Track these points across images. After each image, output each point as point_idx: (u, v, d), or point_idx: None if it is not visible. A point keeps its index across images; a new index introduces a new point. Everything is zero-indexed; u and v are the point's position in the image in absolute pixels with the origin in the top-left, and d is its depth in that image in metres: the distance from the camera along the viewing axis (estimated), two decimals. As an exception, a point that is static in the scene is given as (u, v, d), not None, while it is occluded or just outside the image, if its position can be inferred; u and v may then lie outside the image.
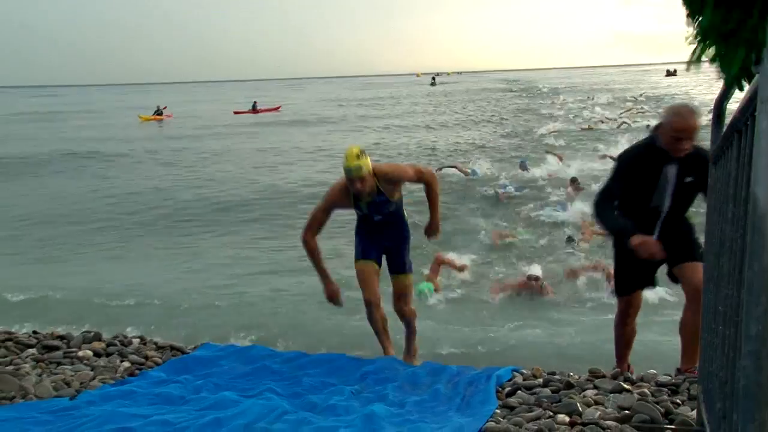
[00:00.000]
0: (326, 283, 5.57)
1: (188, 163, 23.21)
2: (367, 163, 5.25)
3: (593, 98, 47.01)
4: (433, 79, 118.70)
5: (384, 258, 5.71)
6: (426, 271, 9.08)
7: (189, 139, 31.33)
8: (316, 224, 5.53)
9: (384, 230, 5.58)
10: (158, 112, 49.43)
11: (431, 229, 5.67)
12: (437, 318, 7.73)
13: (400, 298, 5.71)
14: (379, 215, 5.49)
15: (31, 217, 14.66)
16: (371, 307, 5.53)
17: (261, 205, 15.31)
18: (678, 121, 4.45)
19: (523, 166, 17.29)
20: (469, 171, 17.16)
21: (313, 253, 5.53)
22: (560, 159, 18.74)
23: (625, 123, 28.66)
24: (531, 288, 8.62)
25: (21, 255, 11.56)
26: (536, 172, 16.97)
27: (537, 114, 36.41)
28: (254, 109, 55.50)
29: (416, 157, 21.49)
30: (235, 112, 54.50)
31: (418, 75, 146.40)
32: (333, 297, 5.58)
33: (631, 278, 4.97)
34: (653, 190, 4.60)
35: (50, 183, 19.67)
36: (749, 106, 1.86)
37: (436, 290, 8.86)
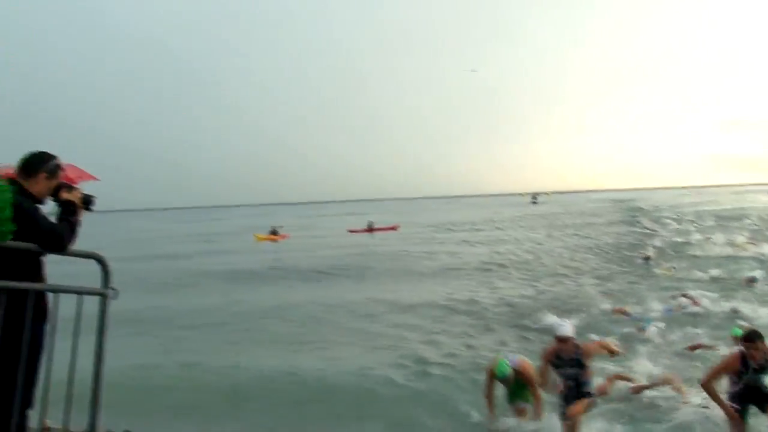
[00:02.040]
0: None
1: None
2: None
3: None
4: (534, 197, 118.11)
5: None
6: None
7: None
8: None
9: None
10: (273, 232, 47.94)
11: None
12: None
13: None
14: None
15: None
16: None
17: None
18: None
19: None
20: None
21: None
22: None
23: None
24: None
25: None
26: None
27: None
28: (369, 228, 52.44)
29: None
30: (350, 231, 51.75)
31: (523, 195, 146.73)
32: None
33: None
34: None
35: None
36: None
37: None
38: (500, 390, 8.18)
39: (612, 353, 10.53)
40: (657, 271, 20.49)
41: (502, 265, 24.45)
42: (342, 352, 11.65)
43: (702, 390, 6.93)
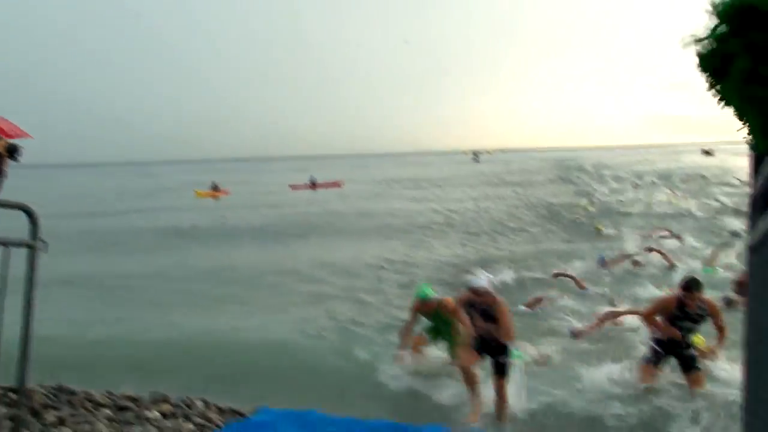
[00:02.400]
0: None
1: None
2: None
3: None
4: (476, 156, 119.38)
5: None
6: None
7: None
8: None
9: None
10: (214, 188, 47.77)
11: None
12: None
13: None
14: None
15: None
16: None
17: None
18: None
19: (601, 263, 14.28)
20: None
21: None
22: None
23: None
24: None
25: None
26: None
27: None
28: (312, 184, 51.90)
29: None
30: (292, 187, 51.22)
31: (466, 153, 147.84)
32: None
33: None
34: None
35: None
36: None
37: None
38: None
39: (535, 305, 10.87)
40: (593, 229, 21.14)
41: (439, 224, 24.82)
42: (271, 311, 11.73)
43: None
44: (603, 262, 14.34)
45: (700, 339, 7.79)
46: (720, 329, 6.97)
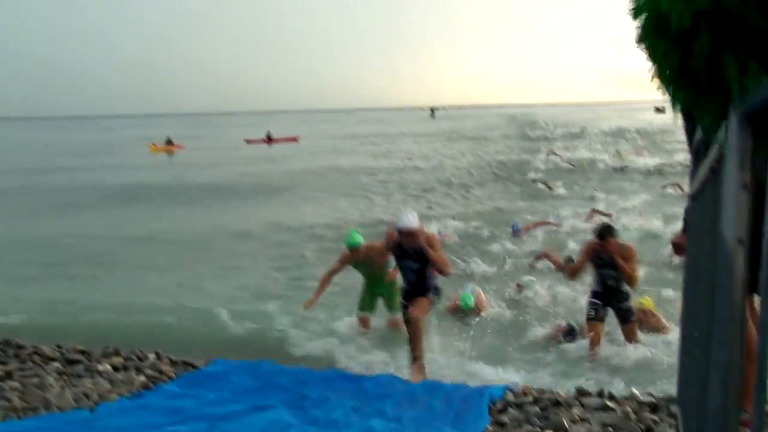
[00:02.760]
0: None
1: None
2: None
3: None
4: (433, 112, 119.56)
5: None
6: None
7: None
8: None
9: None
10: (169, 142, 47.11)
11: None
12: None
13: None
14: None
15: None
16: None
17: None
18: None
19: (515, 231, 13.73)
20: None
21: None
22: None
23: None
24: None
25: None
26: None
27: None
28: (268, 138, 51.05)
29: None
30: (247, 141, 50.49)
31: (423, 110, 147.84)
32: None
33: None
34: None
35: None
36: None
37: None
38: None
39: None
40: (540, 186, 21.35)
41: (390, 180, 24.81)
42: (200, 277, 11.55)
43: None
44: (517, 231, 13.72)
45: (648, 301, 8.01)
46: (628, 275, 7.06)
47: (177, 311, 9.14)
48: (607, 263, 7.05)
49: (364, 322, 7.94)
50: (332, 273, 7.72)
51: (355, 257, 7.73)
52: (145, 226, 16.57)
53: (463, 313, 8.35)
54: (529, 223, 14.58)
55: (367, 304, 7.97)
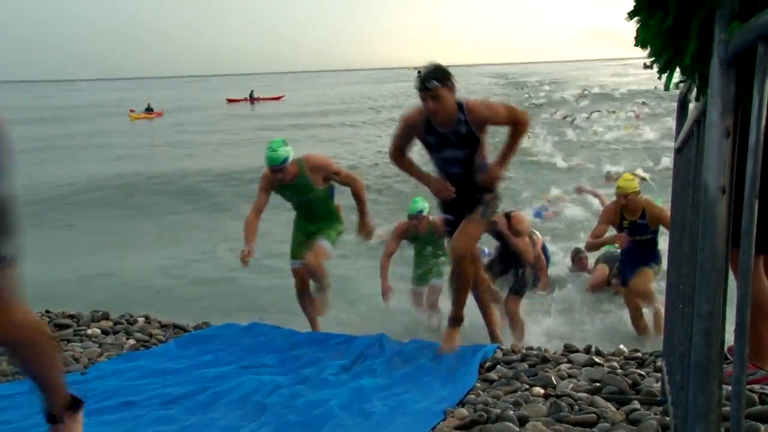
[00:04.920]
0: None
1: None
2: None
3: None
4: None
5: None
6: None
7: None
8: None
9: None
10: (148, 109, 45.76)
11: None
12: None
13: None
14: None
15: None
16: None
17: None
18: None
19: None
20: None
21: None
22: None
23: None
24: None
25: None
26: None
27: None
28: (251, 98, 50.11)
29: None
30: (229, 100, 49.51)
31: (410, 69, 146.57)
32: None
33: None
34: None
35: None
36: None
37: None
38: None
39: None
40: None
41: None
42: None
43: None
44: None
45: None
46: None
47: (167, 275, 9.18)
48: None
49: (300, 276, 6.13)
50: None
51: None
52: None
53: None
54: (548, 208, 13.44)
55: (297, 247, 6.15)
